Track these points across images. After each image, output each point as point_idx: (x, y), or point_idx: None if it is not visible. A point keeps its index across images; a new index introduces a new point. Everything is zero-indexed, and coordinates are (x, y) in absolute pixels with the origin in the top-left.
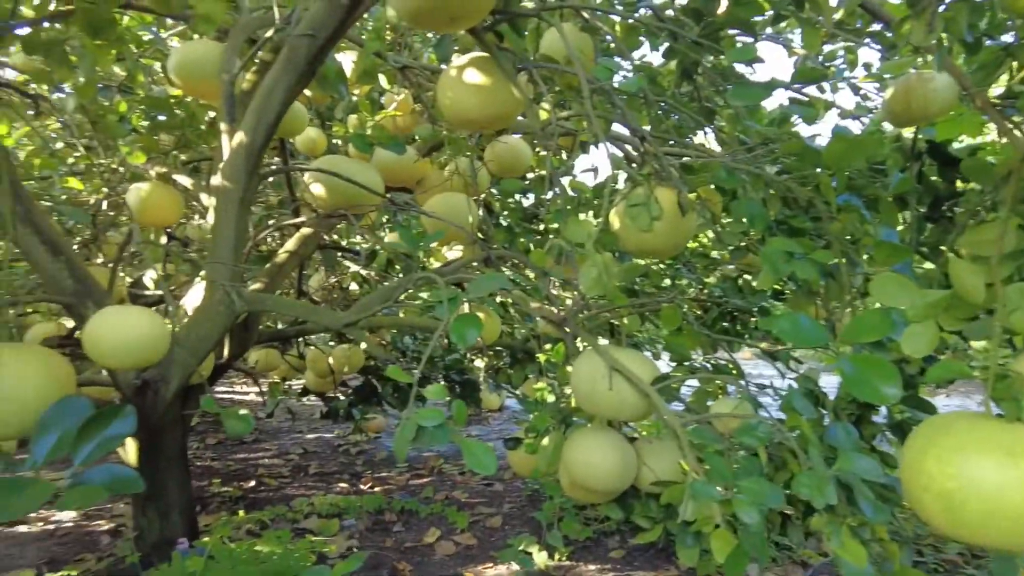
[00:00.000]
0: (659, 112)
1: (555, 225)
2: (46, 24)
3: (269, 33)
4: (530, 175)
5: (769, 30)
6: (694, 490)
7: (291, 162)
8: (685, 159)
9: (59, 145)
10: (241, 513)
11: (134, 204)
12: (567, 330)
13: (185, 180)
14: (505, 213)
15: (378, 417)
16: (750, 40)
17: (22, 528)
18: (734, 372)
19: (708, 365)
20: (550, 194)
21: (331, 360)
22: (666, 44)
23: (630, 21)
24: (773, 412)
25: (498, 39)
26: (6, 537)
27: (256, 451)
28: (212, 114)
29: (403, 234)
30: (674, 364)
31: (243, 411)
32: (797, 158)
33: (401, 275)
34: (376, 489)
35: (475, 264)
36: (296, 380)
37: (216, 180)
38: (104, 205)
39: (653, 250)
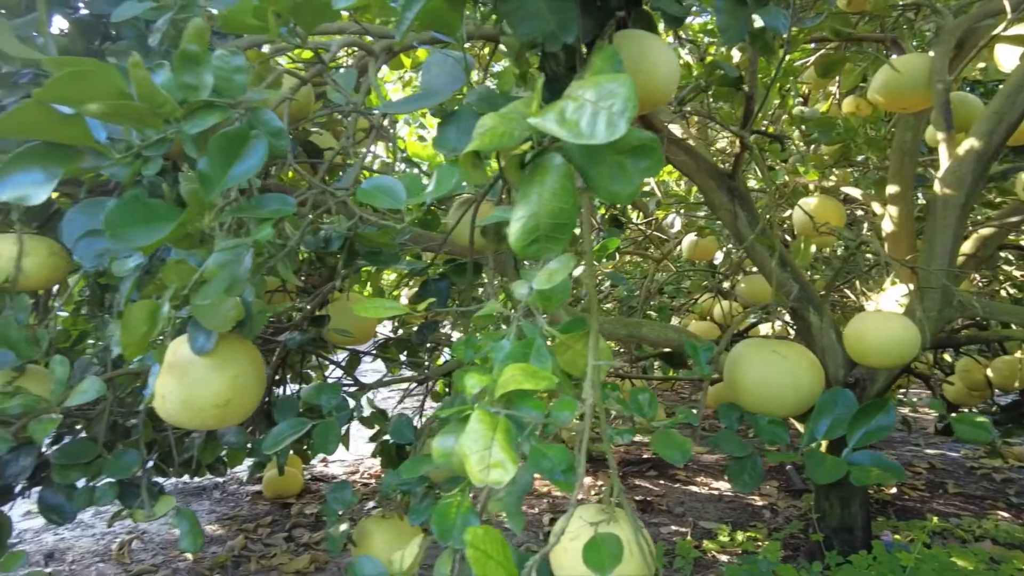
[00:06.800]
0: None
1: None
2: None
3: (1000, 28)
4: None
5: None
6: None
7: None
8: None
9: None
10: (935, 519)
11: (802, 216)
12: None
13: (854, 191)
14: None
15: None
16: None
17: (694, 489)
18: None
19: None
20: None
21: (989, 372)
22: None
23: None
24: None
25: None
26: (694, 495)
27: None
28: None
29: None
30: None
31: (980, 418)
32: None
33: None
34: None
35: None
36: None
37: (936, 187)
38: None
39: None
